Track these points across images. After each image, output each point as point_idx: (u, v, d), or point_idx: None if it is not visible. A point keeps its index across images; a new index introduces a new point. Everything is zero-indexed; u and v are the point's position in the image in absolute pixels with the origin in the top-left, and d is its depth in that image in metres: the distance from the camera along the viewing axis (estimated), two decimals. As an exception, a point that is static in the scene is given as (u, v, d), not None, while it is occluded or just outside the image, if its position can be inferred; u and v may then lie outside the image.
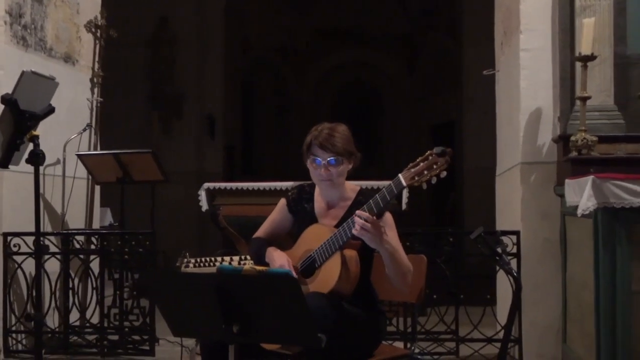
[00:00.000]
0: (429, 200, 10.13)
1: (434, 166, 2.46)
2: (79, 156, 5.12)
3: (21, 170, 3.51)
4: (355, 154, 2.79)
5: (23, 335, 4.60)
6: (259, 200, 4.71)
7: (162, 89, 9.34)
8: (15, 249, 4.49)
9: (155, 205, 5.83)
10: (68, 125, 5.10)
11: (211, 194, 4.96)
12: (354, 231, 2.55)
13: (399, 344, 4.10)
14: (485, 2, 5.44)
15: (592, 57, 3.74)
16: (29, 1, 4.71)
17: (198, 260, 4.17)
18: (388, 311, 4.17)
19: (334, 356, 2.49)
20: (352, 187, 2.86)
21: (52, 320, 4.68)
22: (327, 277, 2.63)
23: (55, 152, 4.96)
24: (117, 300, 4.72)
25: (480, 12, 7.45)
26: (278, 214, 2.93)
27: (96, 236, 4.76)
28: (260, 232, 2.94)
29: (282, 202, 2.93)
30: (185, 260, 4.17)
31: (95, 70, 5.55)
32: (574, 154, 3.74)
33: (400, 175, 2.51)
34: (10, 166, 3.27)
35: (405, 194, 4.73)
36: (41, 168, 3.39)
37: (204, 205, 4.95)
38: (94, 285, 4.70)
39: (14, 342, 4.56)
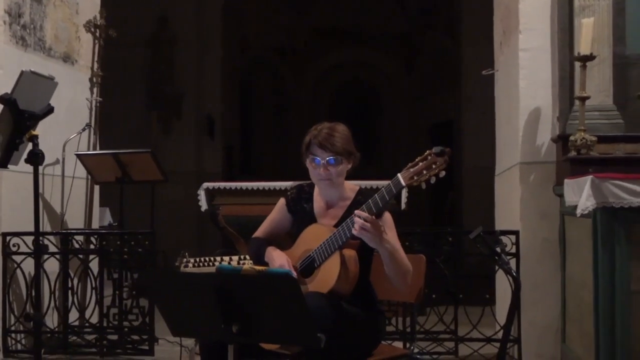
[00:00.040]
0: (428, 200, 10.13)
1: (433, 166, 2.46)
2: (78, 156, 5.12)
3: (20, 170, 3.51)
4: (355, 153, 2.79)
5: (22, 335, 4.60)
6: (258, 200, 4.71)
7: (161, 88, 9.34)
8: (14, 249, 4.49)
9: (155, 205, 5.82)
10: (67, 125, 5.09)
11: (210, 193, 4.95)
12: (353, 231, 2.55)
13: (398, 344, 4.11)
14: (484, 2, 5.44)
15: (591, 57, 3.74)
16: (28, 1, 4.71)
17: (197, 260, 4.16)
18: (387, 311, 4.18)
19: (333, 356, 2.50)
20: (352, 186, 2.86)
21: (52, 320, 4.68)
22: (327, 276, 2.63)
23: (55, 152, 4.95)
24: (116, 300, 4.72)
25: (479, 12, 7.46)
26: (277, 213, 2.93)
27: (95, 236, 4.76)
28: (259, 232, 2.94)
29: (282, 201, 2.93)
30: (185, 260, 4.17)
31: (95, 70, 5.55)
32: (573, 153, 3.74)
33: (399, 175, 2.52)
34: (9, 166, 3.27)
35: (404, 193, 4.72)
36: (40, 168, 3.39)
37: (203, 205, 4.95)
38: (93, 285, 4.70)
39: (13, 342, 4.56)
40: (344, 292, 2.64)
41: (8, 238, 4.49)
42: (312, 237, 2.72)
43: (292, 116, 11.94)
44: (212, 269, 4.01)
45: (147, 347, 4.53)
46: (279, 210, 2.93)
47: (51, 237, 4.70)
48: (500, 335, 4.09)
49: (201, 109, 9.57)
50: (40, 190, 4.36)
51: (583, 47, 3.74)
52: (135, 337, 4.62)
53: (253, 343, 2.53)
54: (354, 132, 2.82)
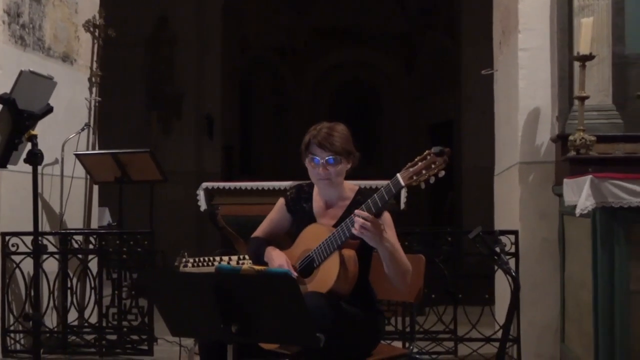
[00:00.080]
0: (427, 200, 10.14)
1: (432, 166, 2.46)
2: (77, 156, 5.11)
3: (19, 169, 3.50)
4: (354, 153, 2.79)
5: (21, 335, 4.60)
6: (258, 200, 4.71)
7: (160, 88, 9.34)
8: (13, 249, 4.49)
9: (154, 205, 5.82)
10: (66, 125, 5.09)
11: (210, 193, 4.95)
12: (353, 230, 2.55)
13: (398, 344, 4.11)
14: (483, 2, 5.44)
15: (590, 57, 3.74)
16: (27, 1, 4.71)
17: (196, 259, 4.16)
18: (386, 311, 4.18)
19: (333, 356, 2.50)
20: (351, 186, 2.86)
21: (51, 320, 4.68)
22: (326, 276, 2.63)
23: (54, 151, 4.95)
24: (115, 300, 4.72)
25: (478, 12, 7.45)
26: (276, 213, 2.93)
27: (94, 236, 4.75)
28: (258, 232, 2.94)
29: (281, 201, 2.93)
30: (184, 259, 4.17)
31: (94, 69, 5.54)
32: (572, 153, 3.74)
33: (398, 174, 2.51)
34: (8, 166, 3.26)
35: (403, 193, 4.72)
36: (39, 168, 3.39)
37: (203, 205, 4.95)
38: (93, 285, 4.70)
39: (12, 341, 4.56)
40: (343, 292, 2.64)
41: (7, 238, 4.49)
42: (312, 237, 2.72)
43: (291, 116, 11.94)
44: (212, 269, 4.01)
45: (146, 347, 4.53)
46: (278, 210, 2.93)
47: (50, 237, 4.70)
48: (499, 335, 4.09)
49: (201, 109, 9.57)
50: (40, 190, 4.36)
51: (582, 46, 3.74)
52: (135, 337, 4.62)
53: (252, 343, 2.53)
54: (353, 132, 2.82)
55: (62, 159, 5.07)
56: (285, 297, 2.18)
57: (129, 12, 8.47)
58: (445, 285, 4.32)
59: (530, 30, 4.23)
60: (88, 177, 5.35)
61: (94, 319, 4.71)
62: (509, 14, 4.51)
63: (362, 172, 3.06)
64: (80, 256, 4.75)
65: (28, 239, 4.35)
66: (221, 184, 5.01)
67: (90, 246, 4.75)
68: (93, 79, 5.54)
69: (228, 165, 10.17)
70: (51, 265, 4.61)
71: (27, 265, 4.46)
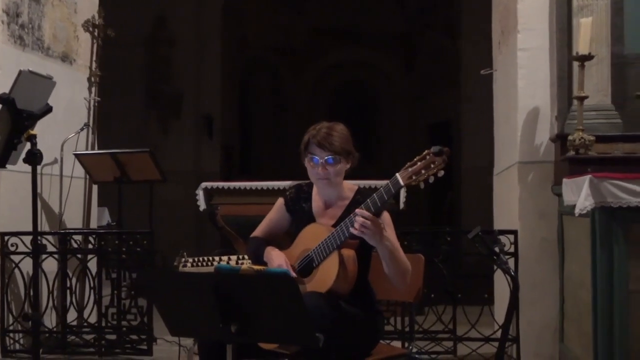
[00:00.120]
0: (426, 199, 10.13)
1: (432, 165, 2.46)
2: (77, 156, 5.11)
3: (19, 169, 3.50)
4: (354, 153, 2.79)
5: (20, 335, 4.59)
6: (257, 200, 4.71)
7: (160, 88, 9.34)
8: (12, 249, 4.48)
9: (153, 204, 5.82)
10: (65, 125, 5.09)
11: (209, 193, 4.95)
12: (352, 230, 2.55)
13: (397, 343, 4.11)
14: (483, 1, 5.44)
15: (589, 57, 3.74)
16: (26, 0, 4.71)
17: (196, 259, 4.16)
18: (386, 310, 4.17)
19: (332, 356, 2.50)
20: (350, 186, 2.86)
21: (50, 320, 4.68)
22: (325, 276, 2.63)
23: (53, 151, 4.95)
24: (114, 300, 4.71)
25: (478, 11, 7.44)
26: (276, 213, 2.93)
27: (94, 236, 4.75)
28: (258, 232, 2.94)
29: (280, 201, 2.93)
30: (183, 259, 4.17)
31: (93, 69, 5.54)
32: (571, 153, 3.74)
33: (397, 174, 2.52)
34: (7, 165, 3.26)
35: (402, 193, 4.73)
36: (38, 167, 3.39)
37: (202, 204, 4.95)
38: (92, 285, 4.70)
39: (12, 341, 4.56)
40: (342, 291, 2.64)
41: (6, 238, 4.49)
42: (311, 237, 2.72)
43: (291, 116, 11.94)
44: (211, 269, 4.01)
45: (145, 347, 4.53)
46: (277, 210, 2.93)
47: (49, 237, 4.70)
48: (498, 334, 4.09)
49: (200, 108, 9.57)
50: (39, 190, 4.35)
51: (581, 46, 3.74)
52: (134, 337, 4.62)
53: (251, 343, 2.53)
54: (352, 131, 2.82)
55: (62, 158, 5.07)
56: (284, 297, 2.18)
57: (128, 12, 8.46)
58: (444, 285, 4.32)
59: (529, 30, 4.23)
60: (87, 177, 5.35)
61: (93, 319, 4.71)
62: (508, 14, 4.51)
63: (361, 171, 3.07)
64: (79, 256, 4.75)
65: (27, 239, 4.36)
66: (220, 184, 5.01)
67: (90, 246, 4.75)
68: (92, 79, 5.54)
69: (227, 165, 10.16)
70: (50, 265, 4.61)
71: (27, 265, 4.46)
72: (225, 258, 4.16)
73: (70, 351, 4.58)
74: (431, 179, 2.47)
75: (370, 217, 2.53)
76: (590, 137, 3.72)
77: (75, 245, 4.69)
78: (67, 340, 4.62)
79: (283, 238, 2.91)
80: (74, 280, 4.72)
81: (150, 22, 9.27)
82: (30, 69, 3.23)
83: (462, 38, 9.50)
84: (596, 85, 3.90)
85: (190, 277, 2.53)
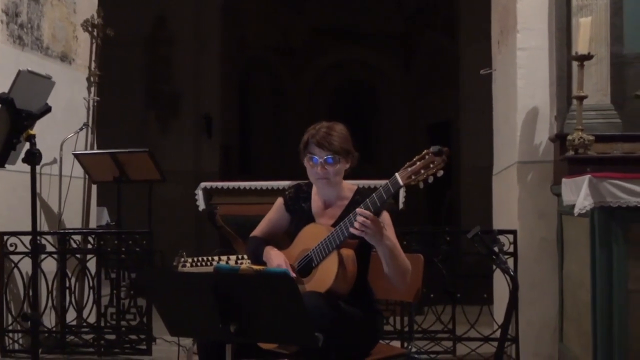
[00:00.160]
0: (425, 199, 10.13)
1: (431, 165, 2.46)
2: (76, 155, 5.11)
3: (18, 169, 3.50)
4: (353, 153, 2.79)
5: (20, 335, 4.59)
6: (256, 200, 4.71)
7: (159, 88, 9.34)
8: (12, 249, 4.48)
9: (152, 204, 5.81)
10: (65, 125, 5.09)
11: (208, 193, 4.95)
12: (352, 230, 2.55)
13: (396, 343, 4.11)
14: (482, 1, 5.44)
15: (588, 57, 3.75)
16: (25, 0, 4.70)
17: (195, 259, 4.16)
18: (385, 310, 4.18)
19: (331, 355, 2.49)
20: (350, 186, 2.86)
21: (49, 320, 4.67)
22: (324, 276, 2.63)
23: (52, 151, 4.95)
24: (114, 300, 4.71)
25: (477, 11, 7.43)
26: (275, 213, 2.93)
27: (93, 236, 4.75)
28: (257, 232, 2.94)
29: (279, 201, 2.93)
30: (182, 259, 4.17)
31: (92, 69, 5.54)
32: (570, 153, 3.74)
33: (397, 174, 2.52)
34: (6, 165, 3.26)
35: (402, 193, 4.73)
36: (38, 167, 3.38)
37: (201, 204, 4.95)
38: (91, 285, 4.70)
39: (11, 341, 4.56)
40: (341, 291, 2.64)
41: (5, 238, 4.49)
42: (310, 237, 2.71)
43: (290, 116, 11.93)
44: (210, 269, 4.00)
45: (144, 347, 4.53)
46: (276, 210, 2.93)
47: (49, 237, 4.69)
48: (498, 334, 4.09)
49: (199, 108, 9.56)
50: (38, 190, 4.35)
51: (581, 46, 3.74)
52: (133, 337, 4.61)
53: (251, 342, 2.53)
54: (352, 131, 2.82)
55: (61, 158, 5.07)
56: (283, 296, 2.18)
57: (128, 11, 8.45)
58: (443, 284, 4.32)
59: (528, 30, 4.23)
60: (86, 176, 5.35)
61: (92, 319, 4.71)
62: (508, 14, 4.51)
63: (361, 171, 3.07)
64: (78, 256, 4.75)
65: (26, 239, 4.36)
66: (220, 184, 5.01)
67: (89, 246, 4.75)
68: (91, 79, 5.54)
69: (226, 165, 10.16)
70: (49, 265, 4.60)
71: (26, 265, 4.46)
72: (224, 258, 4.16)
73: (70, 351, 4.58)
74: (430, 179, 2.47)
75: (370, 216, 2.53)
76: (589, 137, 3.72)
77: (74, 245, 4.69)
78: (66, 340, 4.62)
79: (282, 238, 2.91)
80: (73, 280, 4.72)
81: (150, 22, 9.26)
82: (29, 68, 3.22)
83: (462, 38, 9.50)
84: (595, 85, 3.90)
85: (190, 277, 2.53)
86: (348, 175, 2.83)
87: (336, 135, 2.73)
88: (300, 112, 11.69)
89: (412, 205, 5.17)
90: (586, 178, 3.19)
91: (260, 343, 2.55)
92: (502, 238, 3.87)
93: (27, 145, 3.21)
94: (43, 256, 4.49)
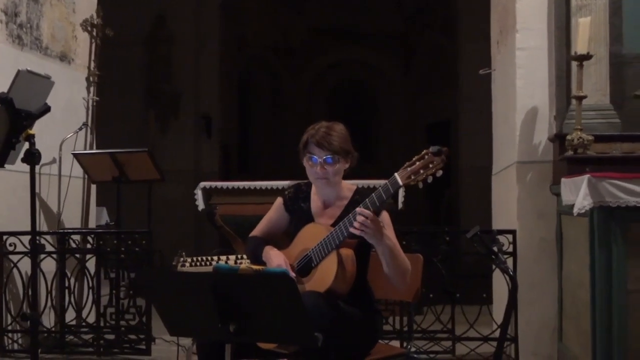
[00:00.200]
0: (424, 199, 10.13)
1: (430, 165, 2.46)
2: (75, 155, 5.11)
3: (17, 169, 3.50)
4: (352, 153, 2.79)
5: (19, 335, 4.59)
6: (256, 200, 4.70)
7: (158, 87, 9.33)
8: (11, 248, 4.48)
9: (152, 204, 5.82)
10: (64, 124, 5.09)
11: (207, 193, 4.95)
12: (351, 229, 2.55)
13: (395, 343, 4.11)
14: (481, 1, 5.44)
15: (587, 57, 3.75)
16: (25, 0, 4.70)
17: (194, 259, 4.16)
18: (384, 310, 4.18)
19: (331, 355, 2.49)
20: (349, 186, 2.86)
21: (48, 320, 4.67)
22: (324, 276, 2.63)
23: (51, 151, 4.95)
24: (113, 300, 4.71)
25: (476, 11, 7.43)
26: (274, 212, 2.93)
27: (92, 235, 4.75)
28: (256, 231, 2.94)
29: (279, 201, 2.93)
30: (182, 259, 4.17)
31: (91, 69, 5.54)
32: (569, 153, 3.75)
33: (396, 174, 2.52)
34: (5, 165, 3.26)
35: (401, 193, 4.72)
36: (37, 167, 3.37)
37: (200, 204, 4.94)
38: (90, 285, 4.70)
39: (10, 341, 4.56)
40: (341, 291, 2.64)
41: (5, 237, 4.49)
42: (310, 237, 2.71)
43: (289, 115, 11.93)
44: (209, 269, 4.00)
45: (144, 347, 4.53)
46: (276, 210, 2.93)
47: (48, 237, 4.69)
48: (497, 334, 4.09)
49: (199, 108, 9.56)
50: (37, 190, 4.34)
51: (580, 46, 3.74)
52: (133, 337, 4.61)
53: (250, 342, 2.53)
54: (351, 131, 2.82)
55: (60, 158, 5.07)
56: (283, 296, 2.18)
57: (127, 11, 8.46)
58: (443, 284, 4.32)
59: (528, 30, 4.23)
60: (86, 176, 5.35)
61: (91, 319, 4.70)
62: (507, 14, 4.51)
63: (360, 171, 3.07)
64: (78, 256, 4.75)
65: (26, 239, 4.36)
66: (219, 184, 5.00)
67: (88, 246, 4.75)
68: (91, 79, 5.54)
69: (226, 165, 10.16)
70: (49, 265, 4.60)
71: (25, 264, 4.46)
72: (224, 258, 4.16)
73: (69, 351, 4.58)
74: (430, 179, 2.47)
75: (370, 215, 2.53)
76: (588, 137, 3.73)
77: (73, 245, 4.69)
78: (66, 340, 4.62)
79: (282, 238, 2.91)
80: (72, 280, 4.71)
81: (149, 21, 9.26)
82: (29, 68, 3.22)
83: (461, 38, 9.50)
84: (594, 84, 3.90)
85: (189, 276, 2.53)
86: (347, 175, 2.83)
87: (335, 135, 2.73)
88: (299, 112, 11.69)
89: (412, 205, 5.17)
90: (585, 178, 3.19)
91: (259, 343, 2.55)
92: (501, 238, 3.87)
93: (26, 145, 3.21)
94: (42, 256, 4.49)
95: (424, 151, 2.49)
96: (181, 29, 9.31)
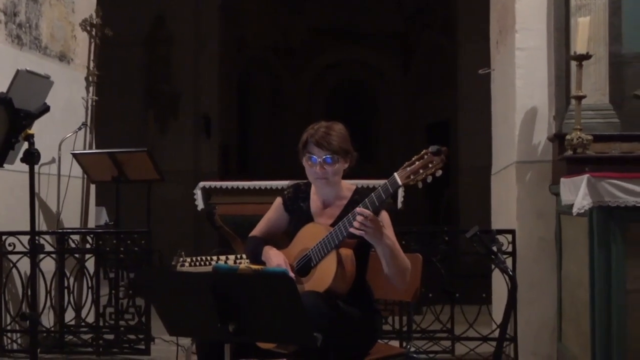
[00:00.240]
0: (424, 199, 10.13)
1: (430, 165, 2.46)
2: (74, 155, 5.11)
3: (16, 169, 3.50)
4: (352, 153, 2.79)
5: (18, 335, 4.59)
6: (255, 199, 4.70)
7: (158, 88, 9.33)
8: (10, 248, 4.48)
9: (151, 204, 5.81)
10: (63, 124, 5.09)
11: (207, 193, 4.95)
12: (351, 229, 2.55)
13: (395, 343, 4.11)
14: (480, 1, 5.44)
15: (587, 56, 3.75)
16: (24, 0, 4.70)
17: (194, 259, 4.16)
18: (384, 310, 4.18)
19: (330, 355, 2.50)
20: (348, 186, 2.86)
21: (48, 320, 4.67)
22: (323, 276, 2.63)
23: (51, 151, 4.94)
24: (112, 300, 4.71)
25: (475, 11, 7.44)
26: (274, 212, 2.93)
27: (91, 235, 4.75)
28: (256, 231, 2.94)
29: (278, 200, 2.93)
30: (181, 259, 4.17)
31: (91, 69, 5.54)
32: (569, 152, 3.75)
33: (395, 174, 2.52)
34: (5, 165, 3.26)
35: (400, 192, 4.72)
36: (36, 167, 3.38)
37: (200, 204, 4.94)
38: (90, 285, 4.70)
39: (9, 341, 4.56)
40: (340, 291, 2.64)
41: (4, 237, 4.48)
42: (309, 236, 2.71)
43: (289, 115, 11.93)
44: (209, 268, 4.01)
45: (143, 347, 4.53)
46: (275, 209, 2.93)
47: (47, 237, 4.69)
48: (496, 334, 4.09)
49: (198, 108, 9.56)
50: (36, 190, 4.35)
51: (579, 46, 3.75)
52: (132, 337, 4.61)
53: (249, 342, 2.53)
54: (351, 131, 2.82)
55: (59, 158, 5.07)
56: (282, 296, 2.18)
57: (126, 11, 8.45)
58: (442, 284, 4.32)
59: (527, 30, 4.23)
60: (85, 176, 5.34)
61: (91, 319, 4.70)
62: (506, 13, 4.51)
63: (360, 171, 3.07)
64: (77, 256, 4.75)
65: (25, 239, 4.35)
66: (218, 183, 5.00)
67: (88, 245, 4.75)
68: (90, 78, 5.54)
69: (225, 165, 10.16)
70: (48, 265, 4.60)
71: (24, 264, 4.45)
72: (223, 257, 4.16)
73: (68, 351, 4.58)
74: (429, 179, 2.47)
75: (370, 215, 2.53)
76: (588, 137, 3.73)
77: (73, 245, 4.69)
78: (65, 340, 4.62)
79: (281, 237, 2.91)
80: (71, 280, 4.71)
81: (149, 21, 9.25)
82: (28, 68, 3.22)
83: (461, 38, 9.50)
84: (594, 84, 3.90)
85: (188, 276, 2.53)
86: (347, 175, 2.83)
87: (335, 134, 2.73)
88: (299, 112, 11.69)
89: (411, 205, 5.17)
90: (585, 178, 3.19)
91: (259, 343, 2.55)
92: (500, 238, 3.87)
93: (25, 145, 3.21)
94: (41, 256, 4.49)
95: (424, 151, 2.49)
96: (181, 29, 9.31)
